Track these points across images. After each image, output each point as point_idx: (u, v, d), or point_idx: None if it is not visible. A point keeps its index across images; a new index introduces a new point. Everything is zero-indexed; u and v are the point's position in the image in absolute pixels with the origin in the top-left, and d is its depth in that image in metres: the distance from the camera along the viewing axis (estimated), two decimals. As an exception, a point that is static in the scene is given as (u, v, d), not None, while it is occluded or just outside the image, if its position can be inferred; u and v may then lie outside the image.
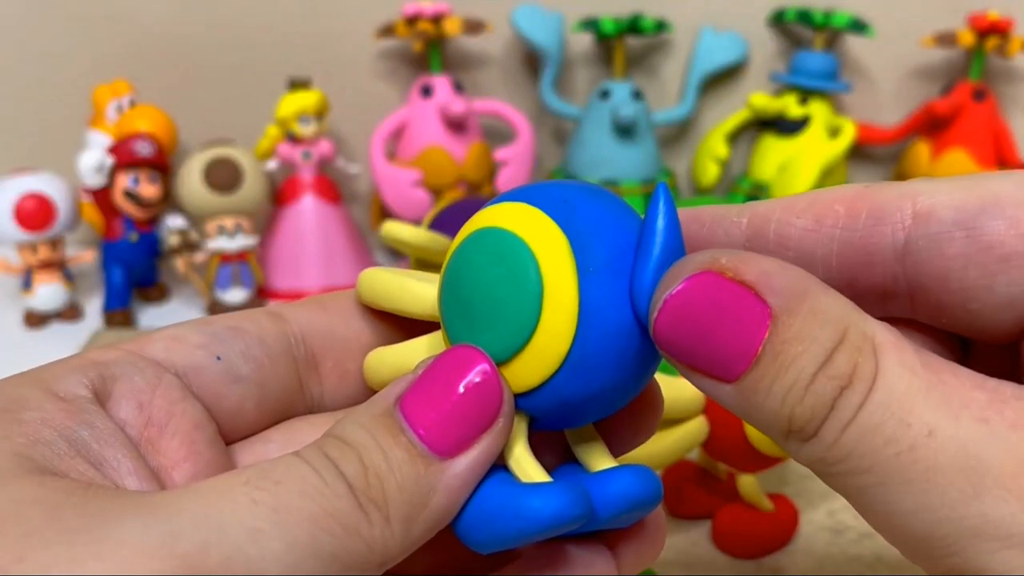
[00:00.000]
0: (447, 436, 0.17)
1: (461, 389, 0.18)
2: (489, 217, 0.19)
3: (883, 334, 0.16)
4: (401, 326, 0.22)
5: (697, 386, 0.17)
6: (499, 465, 0.18)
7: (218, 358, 0.20)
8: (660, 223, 0.17)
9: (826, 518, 0.42)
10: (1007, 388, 0.16)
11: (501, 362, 0.18)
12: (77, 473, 0.16)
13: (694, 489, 0.41)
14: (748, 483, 0.39)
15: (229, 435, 0.21)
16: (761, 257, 0.17)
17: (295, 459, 0.17)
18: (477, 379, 0.18)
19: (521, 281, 0.18)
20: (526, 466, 0.18)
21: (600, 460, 0.19)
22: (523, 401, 0.18)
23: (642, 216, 0.18)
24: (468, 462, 0.17)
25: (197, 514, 0.15)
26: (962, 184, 0.18)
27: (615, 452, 0.20)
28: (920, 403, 0.16)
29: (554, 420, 0.19)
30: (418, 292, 0.21)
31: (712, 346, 0.16)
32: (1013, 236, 0.17)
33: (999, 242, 0.17)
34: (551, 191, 0.19)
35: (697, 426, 0.36)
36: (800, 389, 0.16)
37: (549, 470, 0.19)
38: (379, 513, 0.16)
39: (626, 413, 0.20)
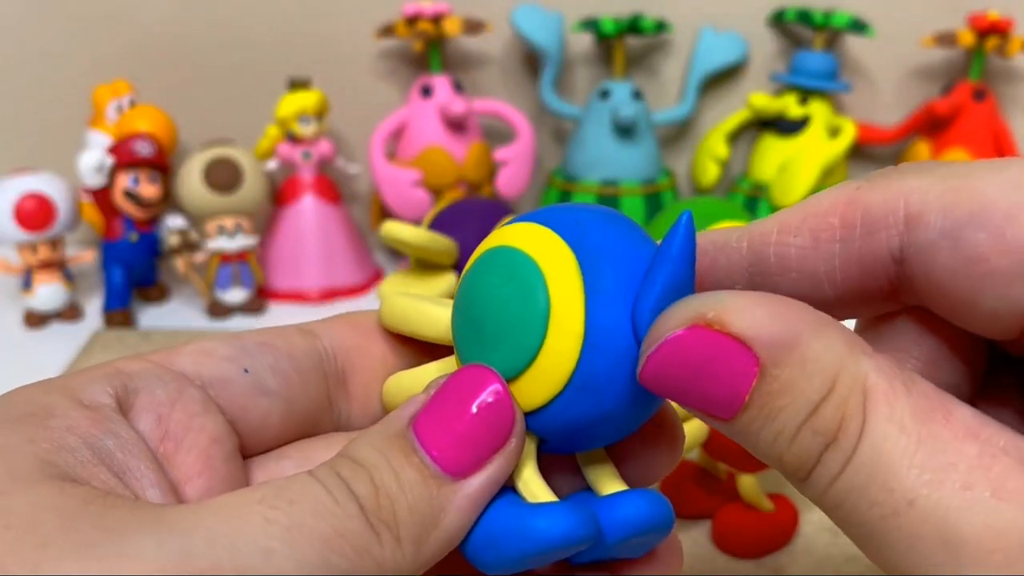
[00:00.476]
0: (460, 457, 0.17)
1: (474, 409, 0.18)
2: (501, 237, 0.19)
3: (875, 379, 0.16)
4: (429, 347, 0.22)
5: (692, 414, 0.17)
6: (508, 487, 0.18)
7: (245, 371, 0.20)
8: (674, 251, 0.17)
9: (826, 518, 0.42)
10: (1001, 437, 0.16)
11: (508, 379, 0.18)
12: (99, 481, 0.17)
13: (694, 489, 0.41)
14: (748, 483, 0.39)
15: (252, 448, 0.21)
16: (753, 303, 0.16)
17: (308, 478, 0.17)
18: (490, 399, 0.18)
19: (529, 299, 0.18)
20: (534, 487, 0.18)
21: (609, 484, 0.19)
22: (529, 421, 0.18)
23: (658, 243, 0.18)
24: (480, 483, 0.17)
25: (211, 531, 0.15)
26: (952, 183, 0.17)
27: (634, 482, 0.20)
28: (904, 468, 0.16)
29: (562, 442, 0.19)
30: (433, 315, 0.21)
31: (701, 394, 0.16)
32: (997, 252, 0.16)
33: (983, 257, 0.17)
34: (565, 213, 0.19)
35: (697, 426, 0.36)
36: (786, 440, 0.16)
37: (563, 496, 0.19)
38: (390, 534, 0.17)
39: (645, 444, 0.20)
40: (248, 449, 0.20)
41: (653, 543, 0.19)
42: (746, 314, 0.16)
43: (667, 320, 0.17)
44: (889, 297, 0.19)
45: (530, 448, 0.19)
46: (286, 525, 0.16)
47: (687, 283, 0.17)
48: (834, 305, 0.19)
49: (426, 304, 0.21)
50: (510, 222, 0.19)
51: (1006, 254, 0.16)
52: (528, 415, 0.18)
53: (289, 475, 0.17)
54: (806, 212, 0.19)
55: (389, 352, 0.22)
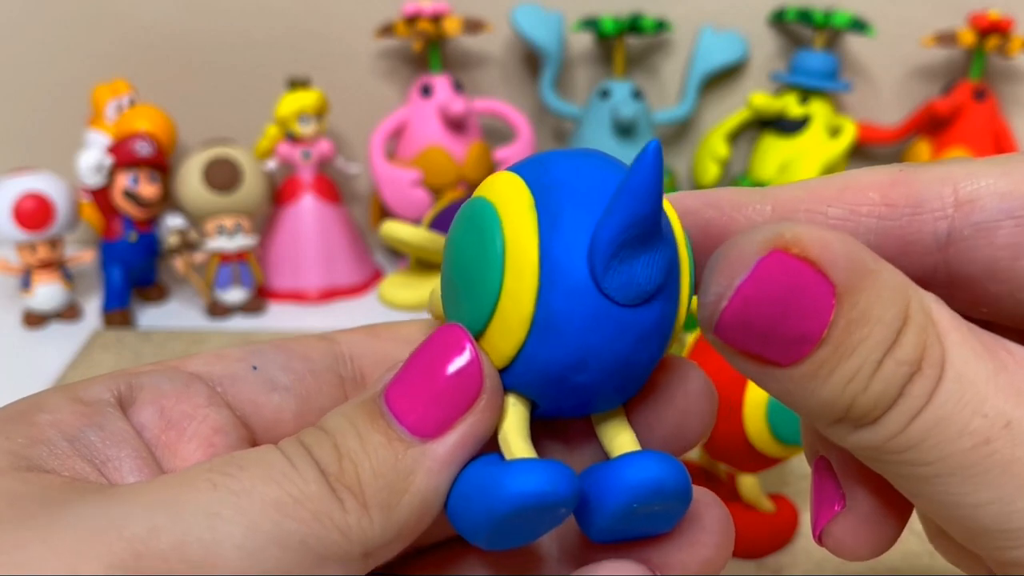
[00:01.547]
0: (427, 417, 0.17)
1: (440, 369, 0.17)
2: (476, 191, 0.19)
3: (939, 310, 0.16)
4: None
5: (741, 371, 0.16)
6: (494, 451, 0.18)
7: (254, 367, 0.20)
8: (635, 180, 0.16)
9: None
10: None
11: (476, 333, 0.17)
12: (71, 471, 0.16)
13: (694, 489, 0.41)
14: (748, 483, 0.39)
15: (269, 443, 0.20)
16: (821, 229, 0.15)
17: (269, 447, 0.16)
18: (456, 356, 0.17)
19: (486, 243, 0.17)
20: (513, 447, 0.17)
21: (620, 446, 0.18)
22: (507, 378, 0.18)
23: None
24: (450, 444, 0.17)
25: (152, 499, 0.15)
26: (1004, 168, 0.17)
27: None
28: (992, 391, 0.15)
29: (551, 401, 0.18)
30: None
31: (776, 332, 0.15)
32: None
33: None
34: (535, 157, 0.18)
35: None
36: (866, 375, 0.15)
37: (582, 467, 0.18)
38: (354, 499, 0.16)
39: (671, 407, 0.19)
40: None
41: (674, 514, 0.18)
42: (819, 238, 0.15)
43: (746, 247, 0.15)
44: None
45: (518, 409, 0.18)
46: (235, 490, 0.15)
47: (652, 216, 0.16)
48: None
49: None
50: None
51: None
52: (505, 372, 0.17)
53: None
54: (844, 184, 0.18)
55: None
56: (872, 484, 0.18)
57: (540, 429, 0.19)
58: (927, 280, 0.18)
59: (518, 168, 0.18)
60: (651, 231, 0.16)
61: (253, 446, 0.19)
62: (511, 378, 0.18)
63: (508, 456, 0.17)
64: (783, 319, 0.15)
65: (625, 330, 0.17)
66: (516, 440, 0.18)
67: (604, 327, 0.17)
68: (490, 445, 0.18)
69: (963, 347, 0.15)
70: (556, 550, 0.20)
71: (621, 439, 0.18)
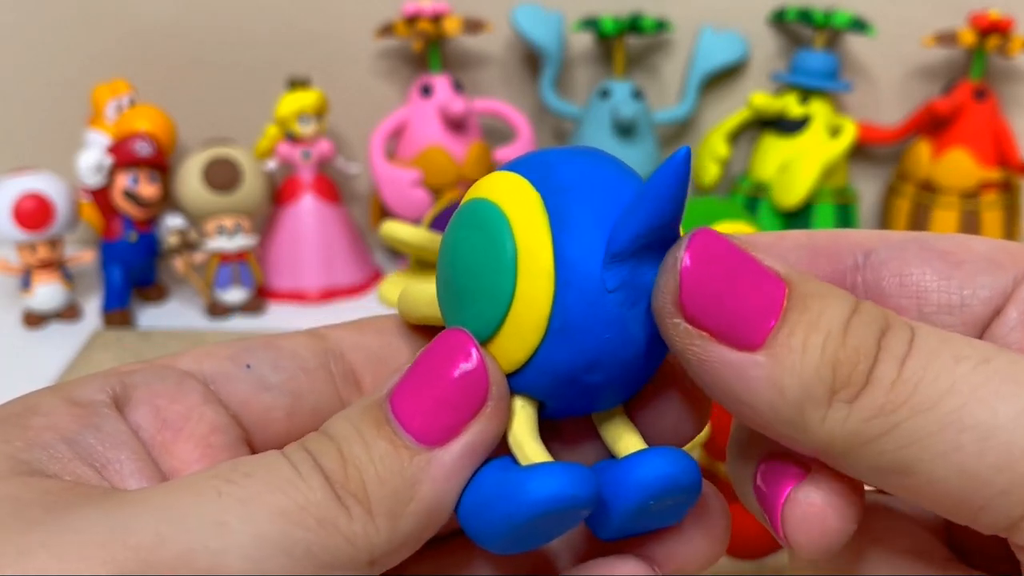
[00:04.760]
0: (433, 425, 0.17)
1: (445, 375, 0.17)
2: (472, 191, 0.18)
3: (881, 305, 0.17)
4: None
5: (722, 375, 0.16)
6: (505, 454, 0.17)
7: (248, 367, 0.20)
8: (663, 183, 0.16)
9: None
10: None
11: (486, 338, 0.17)
12: (71, 475, 0.16)
13: (694, 489, 0.41)
14: (749, 483, 0.39)
15: (262, 445, 0.20)
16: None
17: (275, 453, 0.16)
18: (461, 363, 0.17)
19: (495, 246, 0.17)
20: (528, 450, 0.17)
21: (627, 446, 0.18)
22: (517, 381, 0.17)
23: (640, 176, 0.17)
24: (457, 451, 0.17)
25: (159, 506, 0.15)
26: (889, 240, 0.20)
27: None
28: (962, 340, 0.16)
29: (559, 402, 0.18)
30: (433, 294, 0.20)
31: (735, 304, 0.16)
32: (963, 249, 0.18)
33: (951, 252, 0.18)
34: (535, 156, 0.18)
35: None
36: (838, 334, 0.15)
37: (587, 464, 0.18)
38: (360, 507, 0.16)
39: (665, 403, 0.19)
40: (258, 445, 0.20)
41: (683, 507, 0.18)
42: (763, 252, 0.16)
43: (688, 234, 0.16)
44: None
45: (526, 411, 0.18)
46: (241, 498, 0.15)
47: (672, 222, 0.16)
48: None
49: (430, 285, 0.20)
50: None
51: (971, 252, 0.18)
52: (515, 375, 0.17)
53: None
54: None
55: (403, 348, 0.22)
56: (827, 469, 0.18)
57: (541, 430, 0.19)
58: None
59: (518, 168, 0.18)
60: (670, 237, 0.16)
61: (247, 445, 0.19)
62: (521, 381, 0.17)
63: (523, 460, 0.17)
64: (734, 288, 0.16)
65: (638, 331, 0.17)
66: (529, 443, 0.17)
67: (619, 328, 0.16)
68: (499, 448, 0.18)
69: (922, 319, 0.16)
70: (557, 546, 0.20)
71: (627, 438, 0.18)
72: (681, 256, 0.16)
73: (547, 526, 0.17)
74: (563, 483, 0.16)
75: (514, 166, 0.18)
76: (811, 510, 0.17)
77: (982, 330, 0.18)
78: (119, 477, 0.17)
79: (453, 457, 0.17)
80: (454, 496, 0.17)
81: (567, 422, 0.20)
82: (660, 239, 0.16)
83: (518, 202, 0.17)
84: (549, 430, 0.20)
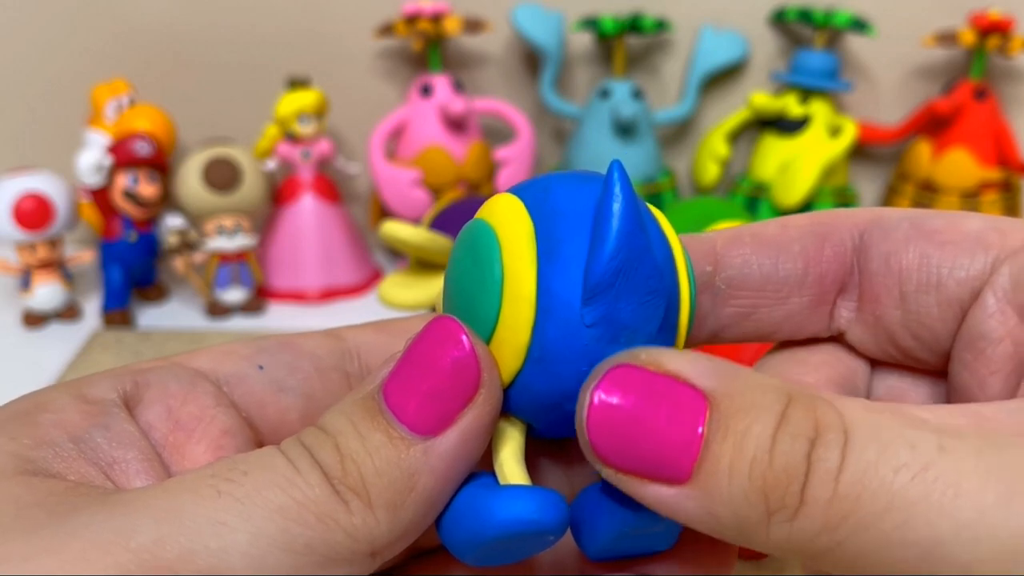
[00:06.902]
0: (427, 414, 0.17)
1: (437, 364, 0.17)
2: (480, 210, 0.18)
3: (827, 392, 0.15)
4: None
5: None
6: (489, 472, 0.18)
7: (260, 367, 0.20)
8: (616, 206, 0.16)
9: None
10: (949, 408, 0.15)
11: None
12: (76, 474, 0.16)
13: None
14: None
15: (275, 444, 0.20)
16: (683, 352, 0.16)
17: (272, 450, 0.16)
18: (453, 351, 0.17)
19: (485, 269, 0.17)
20: (508, 470, 0.17)
21: None
22: (504, 402, 0.17)
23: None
24: (452, 440, 0.17)
25: (159, 507, 0.15)
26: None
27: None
28: (908, 428, 0.14)
29: (545, 425, 0.18)
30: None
31: (652, 442, 0.15)
32: (952, 228, 0.19)
33: (939, 230, 0.19)
34: (539, 180, 0.18)
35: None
36: (763, 455, 0.14)
37: (580, 486, 0.18)
38: (359, 500, 0.16)
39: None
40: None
41: (670, 535, 0.18)
42: (682, 355, 0.15)
43: (601, 366, 0.16)
44: (837, 294, 0.20)
45: (513, 432, 0.18)
46: (239, 497, 0.15)
47: (637, 250, 0.16)
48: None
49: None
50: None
51: (959, 231, 0.19)
52: (503, 394, 0.17)
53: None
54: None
55: None
56: None
57: (540, 449, 0.19)
58: (846, 281, 0.20)
59: (521, 192, 0.18)
60: (647, 260, 0.16)
61: (257, 448, 0.19)
62: (507, 402, 0.18)
63: (502, 480, 0.17)
64: (648, 428, 0.15)
65: None
66: (510, 463, 0.18)
67: (597, 362, 0.16)
68: (486, 465, 0.18)
69: (859, 405, 0.15)
70: (551, 563, 0.20)
71: None
72: (586, 405, 0.15)
73: (514, 546, 0.17)
74: (529, 508, 0.16)
75: (518, 189, 0.18)
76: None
77: (961, 310, 0.19)
78: (125, 477, 0.17)
79: (449, 446, 0.17)
80: (453, 484, 0.17)
81: (569, 444, 0.20)
82: (637, 268, 0.16)
83: (511, 226, 0.17)
84: (551, 452, 0.20)
